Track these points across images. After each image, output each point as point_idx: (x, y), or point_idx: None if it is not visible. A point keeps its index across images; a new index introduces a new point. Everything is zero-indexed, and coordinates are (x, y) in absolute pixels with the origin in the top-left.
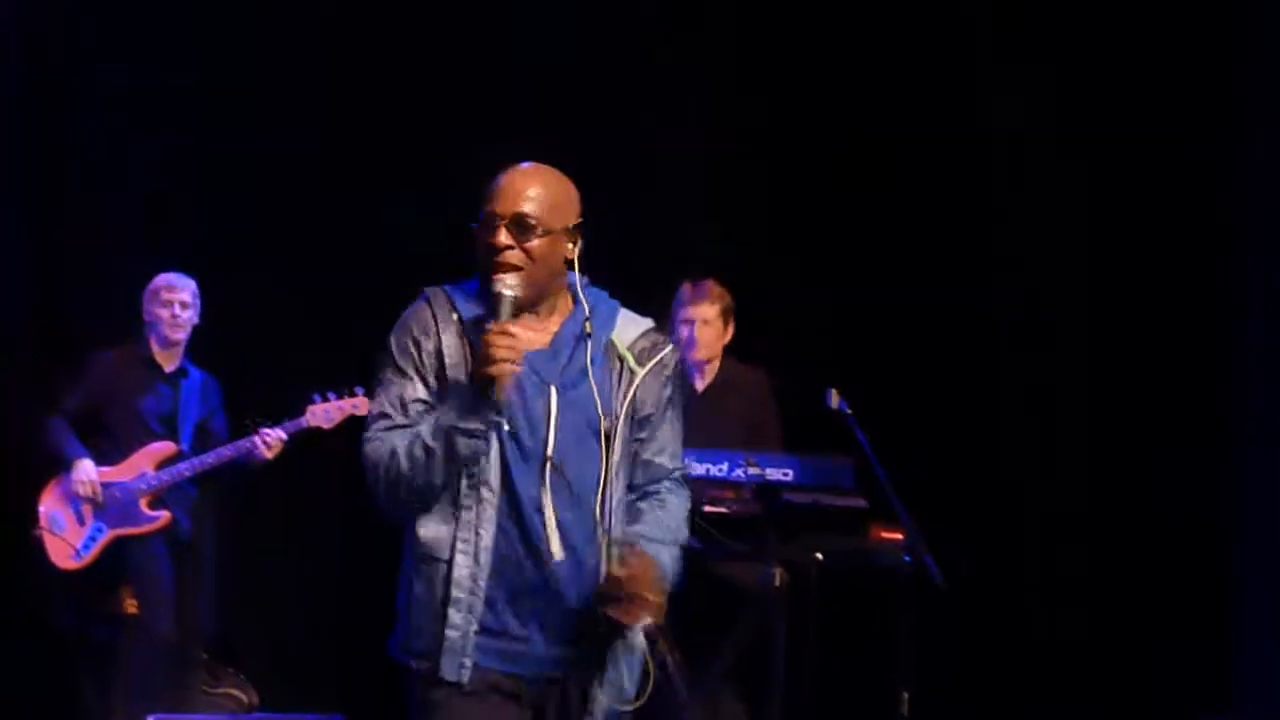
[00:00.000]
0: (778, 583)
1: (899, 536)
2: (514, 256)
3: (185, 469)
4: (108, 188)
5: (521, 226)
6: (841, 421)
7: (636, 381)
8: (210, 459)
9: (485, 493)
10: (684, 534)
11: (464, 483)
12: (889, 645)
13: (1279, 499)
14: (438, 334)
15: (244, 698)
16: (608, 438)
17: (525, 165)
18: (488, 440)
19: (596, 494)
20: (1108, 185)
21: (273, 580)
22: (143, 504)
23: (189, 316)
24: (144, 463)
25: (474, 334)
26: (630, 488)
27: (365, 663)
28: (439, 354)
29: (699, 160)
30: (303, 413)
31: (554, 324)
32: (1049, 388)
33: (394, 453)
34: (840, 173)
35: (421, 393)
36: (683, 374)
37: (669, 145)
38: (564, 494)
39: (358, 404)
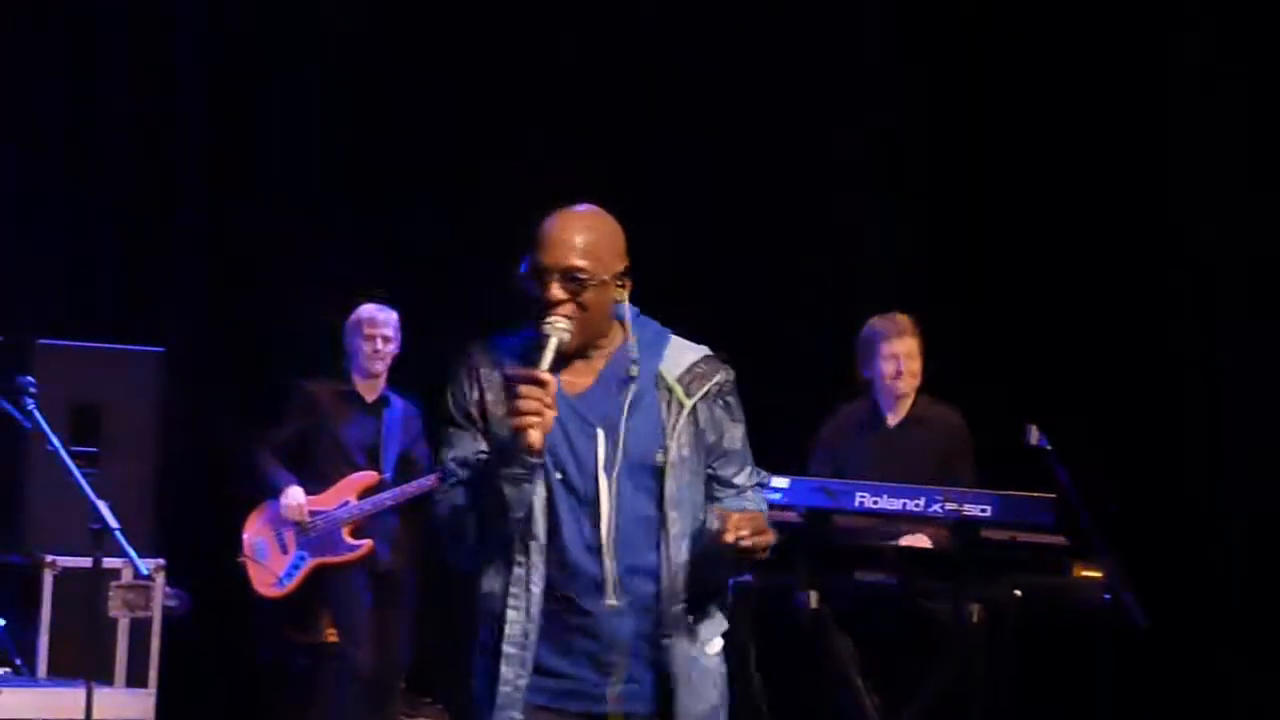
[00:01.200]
0: (975, 620)
1: (1100, 575)
2: (567, 309)
3: (388, 498)
4: (310, 218)
5: (574, 280)
6: (1042, 458)
7: (685, 412)
8: (412, 488)
9: (533, 544)
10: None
11: (516, 535)
12: (1089, 684)
13: None
14: (480, 388)
15: None
16: (659, 471)
17: (575, 210)
18: (527, 486)
19: (658, 531)
20: None
21: (470, 610)
22: (345, 533)
23: (391, 349)
24: (347, 491)
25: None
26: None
27: None
28: (481, 407)
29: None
30: None
31: (599, 362)
32: (1262, 426)
33: (454, 508)
34: (1040, 201)
35: (482, 445)
36: (874, 408)
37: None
38: (625, 534)
39: None
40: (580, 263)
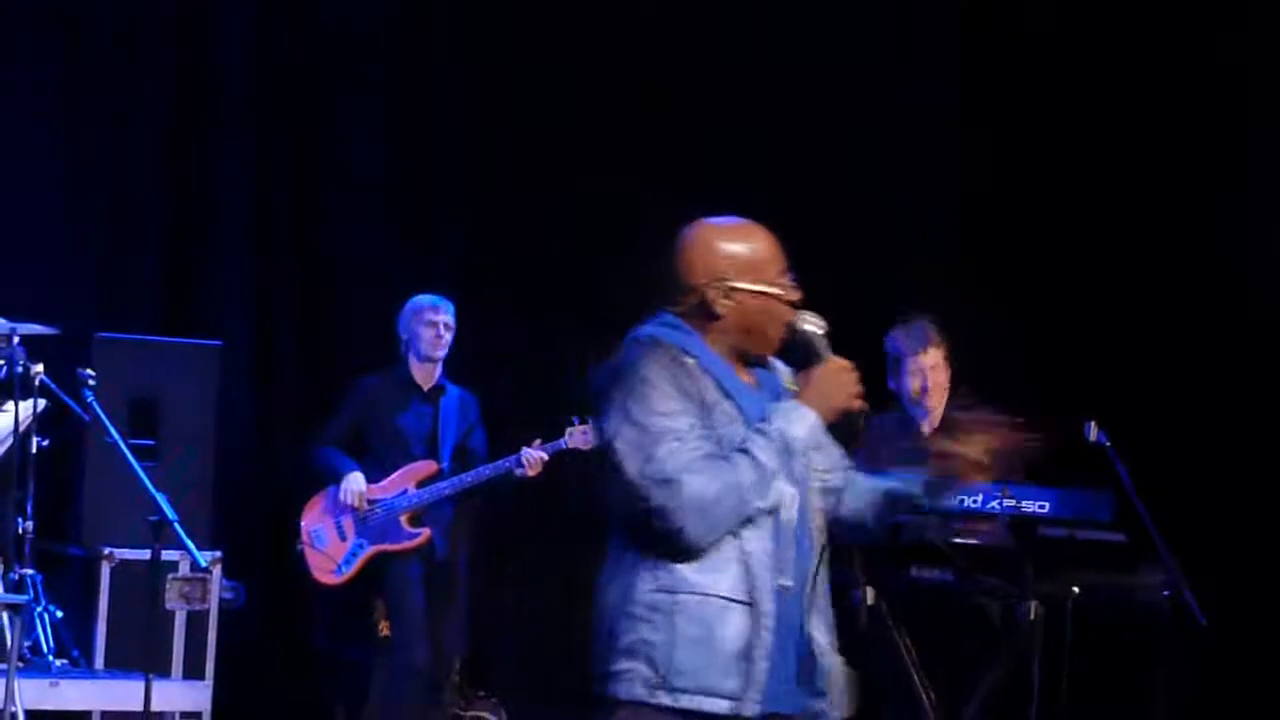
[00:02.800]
0: (1033, 617)
1: (1159, 572)
2: None
3: (446, 487)
4: (369, 211)
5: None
6: (1101, 454)
7: None
8: (470, 478)
9: (769, 523)
10: None
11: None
12: (1147, 683)
13: None
14: (689, 373)
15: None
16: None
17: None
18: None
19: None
20: None
21: (526, 601)
22: (403, 521)
23: (449, 338)
24: (406, 481)
25: (720, 373)
26: None
27: None
28: (699, 388)
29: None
30: (562, 434)
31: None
32: None
33: (735, 483)
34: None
35: (698, 426)
36: (907, 418)
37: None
38: (804, 527)
39: None
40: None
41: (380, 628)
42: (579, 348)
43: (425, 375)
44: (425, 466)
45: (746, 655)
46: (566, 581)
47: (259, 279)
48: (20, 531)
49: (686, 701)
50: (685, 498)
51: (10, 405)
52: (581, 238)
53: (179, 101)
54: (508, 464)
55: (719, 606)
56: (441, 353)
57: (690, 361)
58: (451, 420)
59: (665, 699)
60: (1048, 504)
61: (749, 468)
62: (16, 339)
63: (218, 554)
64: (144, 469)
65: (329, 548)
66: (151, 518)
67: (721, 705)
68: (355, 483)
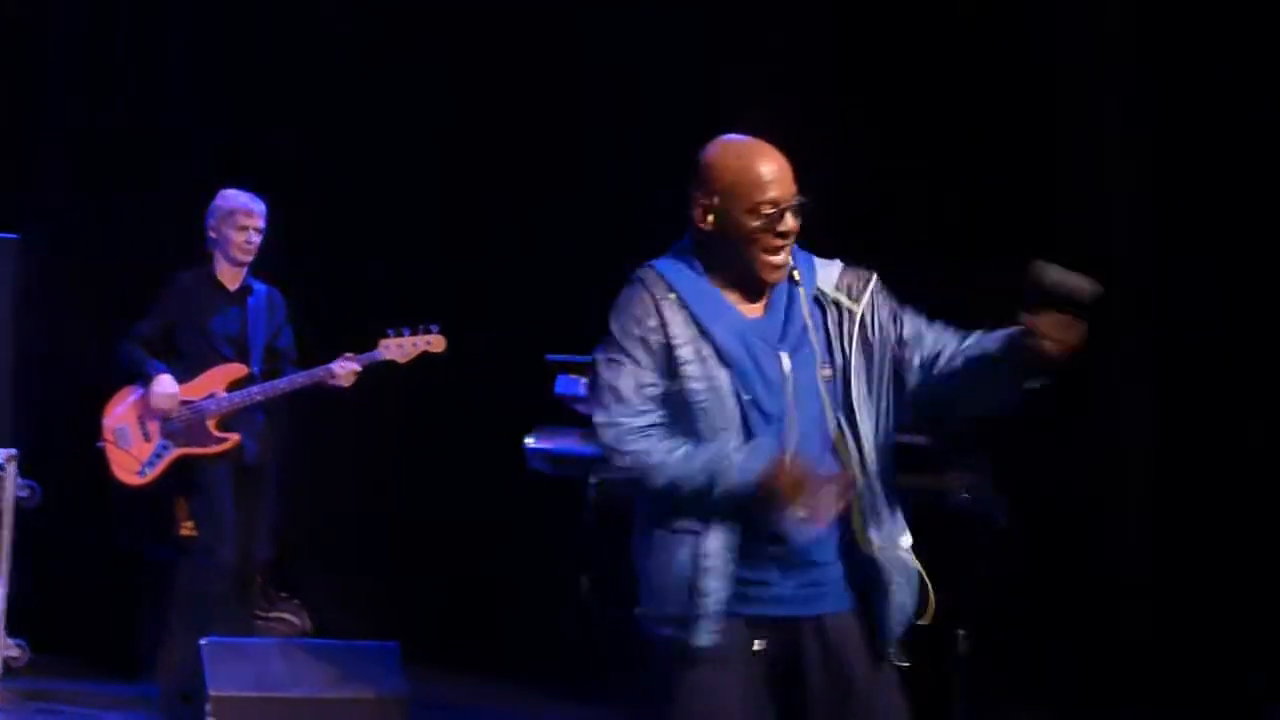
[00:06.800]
0: None
1: (961, 474)
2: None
3: (256, 392)
4: (182, 99)
5: (800, 211)
6: None
7: (858, 319)
8: (283, 384)
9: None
10: None
11: None
12: (948, 583)
13: None
14: (659, 314)
15: (297, 623)
16: (830, 383)
17: (761, 141)
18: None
19: (834, 440)
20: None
21: (332, 507)
22: (211, 425)
23: (259, 240)
24: (215, 383)
25: (698, 306)
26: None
27: (421, 592)
28: (664, 332)
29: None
30: (376, 345)
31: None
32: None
33: (669, 478)
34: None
35: (651, 378)
36: None
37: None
38: (804, 445)
39: (432, 341)
40: (799, 193)
41: (183, 527)
42: (397, 253)
43: (232, 276)
44: (234, 369)
45: (690, 584)
46: (374, 487)
47: (67, 171)
48: None
49: (667, 631)
50: (622, 456)
51: None
52: (401, 139)
53: None
54: (320, 372)
55: (679, 535)
56: (250, 258)
57: (670, 298)
58: (260, 321)
59: (662, 630)
60: None
61: (691, 474)
62: None
63: (13, 451)
64: None
65: (133, 447)
66: None
67: (676, 633)
68: (165, 386)
